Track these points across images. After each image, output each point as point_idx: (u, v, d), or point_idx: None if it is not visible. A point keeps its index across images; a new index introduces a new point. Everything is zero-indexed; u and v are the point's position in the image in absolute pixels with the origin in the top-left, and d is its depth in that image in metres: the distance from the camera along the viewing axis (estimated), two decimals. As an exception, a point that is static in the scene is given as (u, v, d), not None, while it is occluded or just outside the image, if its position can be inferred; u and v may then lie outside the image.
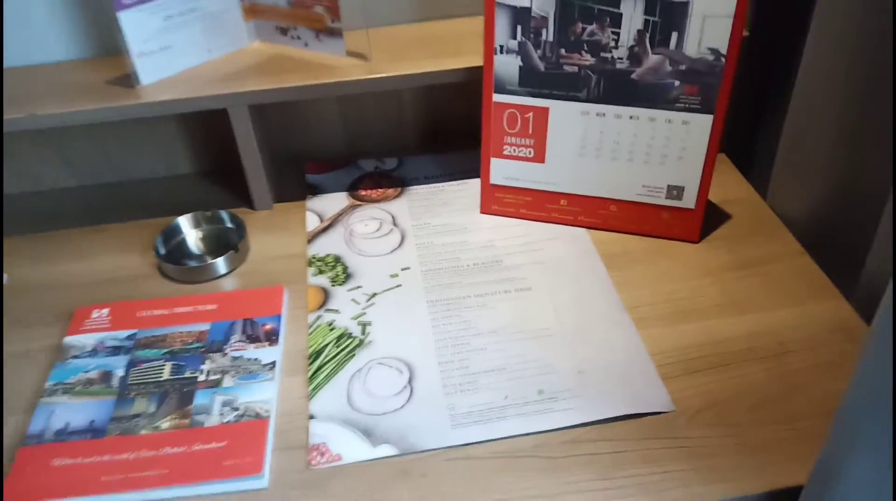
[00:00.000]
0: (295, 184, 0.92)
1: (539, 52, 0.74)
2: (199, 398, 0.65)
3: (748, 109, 0.91)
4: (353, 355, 0.69)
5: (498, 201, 0.84)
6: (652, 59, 0.72)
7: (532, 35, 0.74)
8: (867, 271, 0.73)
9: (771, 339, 0.69)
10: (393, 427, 0.62)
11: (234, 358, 0.68)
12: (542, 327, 0.71)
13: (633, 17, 0.71)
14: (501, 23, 0.74)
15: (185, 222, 0.85)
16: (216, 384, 0.66)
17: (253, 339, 0.70)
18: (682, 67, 0.72)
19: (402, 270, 0.78)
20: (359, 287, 0.76)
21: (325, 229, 0.85)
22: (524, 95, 0.77)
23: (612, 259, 0.78)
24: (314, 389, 0.66)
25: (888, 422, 0.41)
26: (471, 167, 0.90)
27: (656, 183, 0.79)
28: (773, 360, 0.67)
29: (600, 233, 0.82)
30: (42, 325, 0.74)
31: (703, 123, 0.74)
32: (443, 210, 0.86)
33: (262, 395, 0.65)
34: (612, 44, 0.72)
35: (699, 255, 0.79)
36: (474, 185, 0.88)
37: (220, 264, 0.79)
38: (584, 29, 0.72)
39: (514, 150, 0.81)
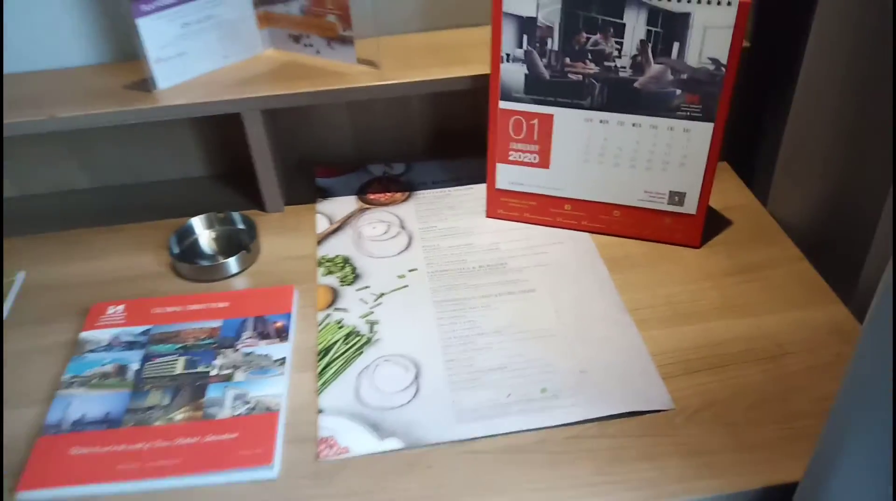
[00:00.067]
0: (305, 187, 0.95)
1: (544, 60, 0.77)
2: (212, 392, 0.67)
3: (750, 118, 0.93)
4: (361, 352, 0.71)
5: (503, 206, 0.86)
6: (654, 68, 0.74)
7: (538, 44, 0.76)
8: (865, 277, 0.74)
9: (769, 341, 0.70)
10: (399, 422, 0.64)
11: (246, 354, 0.70)
12: (545, 327, 0.73)
13: (635, 27, 0.73)
14: (508, 32, 0.76)
15: (198, 222, 0.87)
16: (228, 378, 0.68)
17: (264, 336, 0.72)
18: (684, 77, 0.74)
19: (409, 271, 0.80)
20: (367, 287, 0.78)
21: (334, 232, 0.87)
22: (530, 103, 0.79)
23: (614, 263, 0.80)
24: (323, 384, 0.68)
25: (882, 417, 0.42)
26: (477, 173, 0.93)
27: (658, 189, 0.80)
28: (770, 362, 0.69)
29: (603, 237, 0.84)
30: (59, 320, 0.76)
31: (703, 131, 0.76)
32: (449, 214, 0.89)
33: (272, 389, 0.67)
34: (616, 53, 0.74)
35: (700, 259, 0.81)
36: (480, 190, 0.90)
37: (232, 263, 0.81)
38: (588, 39, 0.74)
39: (520, 155, 0.83)
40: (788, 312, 0.74)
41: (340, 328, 0.73)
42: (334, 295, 0.78)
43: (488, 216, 0.88)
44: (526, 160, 0.83)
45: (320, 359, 0.70)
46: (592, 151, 0.80)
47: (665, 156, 0.78)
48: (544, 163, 0.82)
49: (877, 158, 0.73)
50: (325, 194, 0.93)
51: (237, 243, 0.86)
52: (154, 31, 0.80)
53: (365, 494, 0.59)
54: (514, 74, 0.78)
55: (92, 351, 0.71)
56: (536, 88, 0.78)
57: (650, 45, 0.73)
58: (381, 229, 0.87)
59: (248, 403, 0.65)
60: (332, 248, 0.84)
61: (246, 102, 0.82)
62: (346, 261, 0.82)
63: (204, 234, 0.88)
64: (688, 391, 0.66)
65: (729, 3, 0.69)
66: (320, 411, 0.65)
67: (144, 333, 0.73)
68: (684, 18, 0.71)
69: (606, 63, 0.75)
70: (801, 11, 0.80)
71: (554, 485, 0.59)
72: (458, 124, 0.99)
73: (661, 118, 0.76)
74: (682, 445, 0.61)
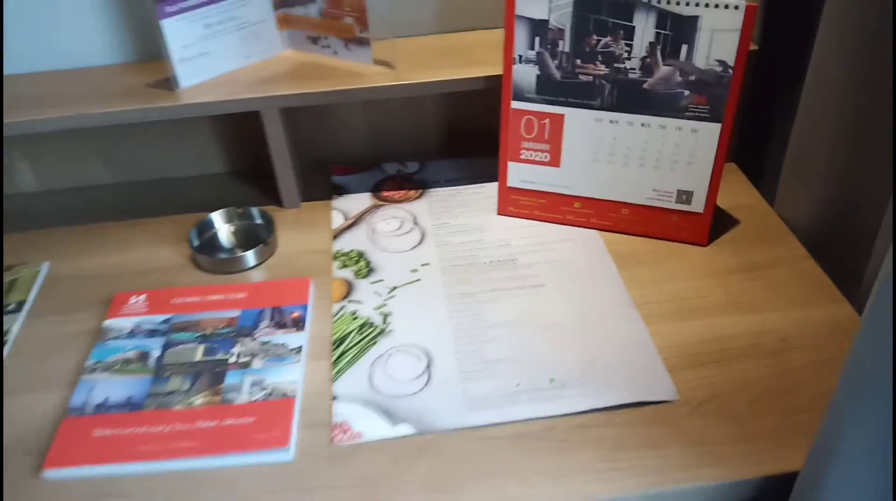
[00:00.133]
0: (322, 184, 0.97)
1: (556, 62, 0.79)
2: (230, 378, 0.69)
3: (757, 120, 0.94)
4: (375, 342, 0.73)
5: (514, 203, 0.88)
6: (663, 69, 0.76)
7: (549, 46, 0.78)
8: (869, 276, 0.75)
9: (773, 337, 0.72)
10: (411, 409, 0.66)
11: (263, 342, 0.72)
12: (553, 320, 0.74)
13: (645, 30, 0.75)
14: (521, 34, 0.78)
15: (217, 217, 0.90)
16: (246, 365, 0.70)
17: (280, 325, 0.74)
18: (692, 78, 0.76)
19: (422, 265, 0.82)
20: (381, 281, 0.80)
21: (349, 227, 0.89)
22: (541, 103, 0.81)
23: (622, 259, 0.82)
24: (338, 372, 0.70)
25: (879, 409, 0.43)
26: (489, 172, 0.95)
27: (666, 188, 0.82)
28: (774, 357, 0.70)
29: (612, 235, 0.86)
30: (83, 309, 0.79)
31: (711, 131, 0.78)
32: (461, 211, 0.91)
33: (289, 376, 0.69)
34: (625, 55, 0.76)
35: (707, 257, 0.82)
36: (492, 188, 0.92)
37: (250, 256, 0.83)
38: (598, 41, 0.77)
39: (531, 154, 0.85)
40: (793, 309, 0.75)
41: (355, 319, 0.76)
42: (349, 288, 0.80)
43: (499, 214, 0.90)
44: (537, 159, 0.85)
45: (335, 348, 0.72)
46: (602, 150, 0.82)
47: (673, 155, 0.80)
48: (555, 162, 0.84)
49: (882, 159, 0.74)
50: (341, 191, 0.96)
51: (255, 237, 0.88)
52: (177, 32, 0.82)
53: (377, 477, 0.61)
54: (526, 74, 0.80)
55: (115, 338, 0.74)
56: (548, 89, 0.80)
57: (659, 47, 0.75)
58: (395, 225, 0.89)
59: (265, 389, 0.68)
60: (347, 243, 0.86)
61: (265, 101, 0.84)
62: (361, 255, 0.84)
63: (223, 228, 0.90)
64: (692, 383, 0.67)
65: (736, 7, 0.71)
66: (335, 397, 0.67)
67: (165, 321, 0.75)
68: (692, 22, 0.73)
69: (616, 65, 0.77)
70: (808, 14, 0.82)
71: (561, 471, 0.61)
72: (471, 124, 1.01)
73: (670, 119, 0.78)
74: (685, 435, 0.63)
